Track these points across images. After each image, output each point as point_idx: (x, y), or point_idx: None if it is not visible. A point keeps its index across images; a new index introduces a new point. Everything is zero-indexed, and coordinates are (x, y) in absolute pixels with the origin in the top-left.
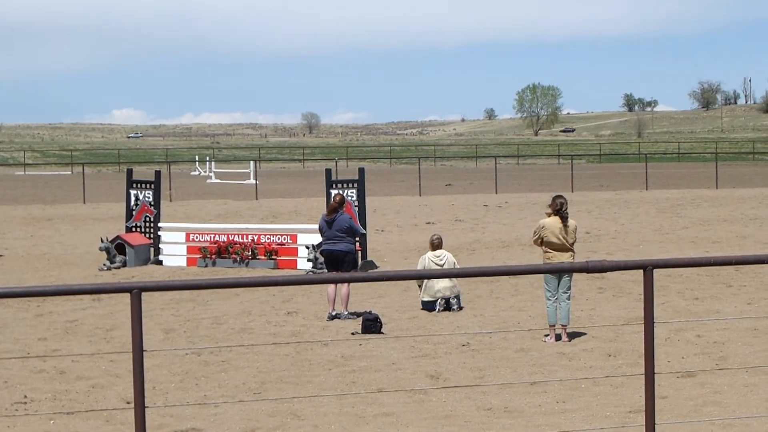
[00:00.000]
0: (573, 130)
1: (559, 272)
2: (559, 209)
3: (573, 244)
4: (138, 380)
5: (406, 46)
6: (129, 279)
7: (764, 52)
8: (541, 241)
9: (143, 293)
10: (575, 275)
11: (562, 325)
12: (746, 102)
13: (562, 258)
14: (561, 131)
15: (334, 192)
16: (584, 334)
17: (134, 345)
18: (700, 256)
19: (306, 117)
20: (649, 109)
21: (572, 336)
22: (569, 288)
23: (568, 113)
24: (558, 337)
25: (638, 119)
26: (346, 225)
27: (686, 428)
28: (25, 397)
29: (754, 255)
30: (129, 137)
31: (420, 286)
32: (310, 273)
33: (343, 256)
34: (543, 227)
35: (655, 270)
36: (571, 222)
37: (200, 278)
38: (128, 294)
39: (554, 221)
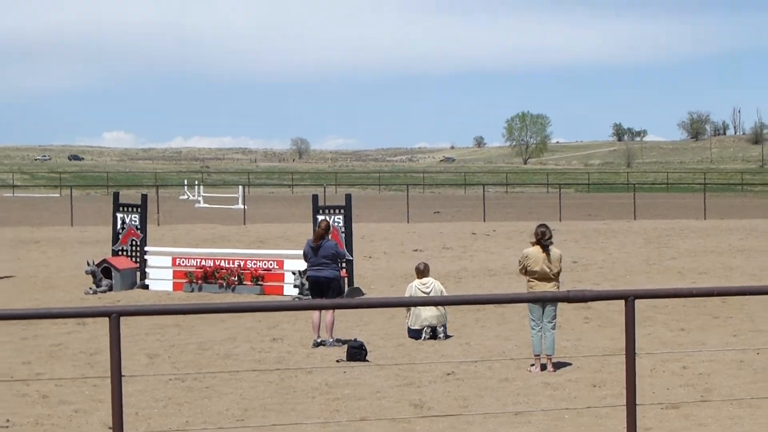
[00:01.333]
0: (453, 159)
1: (542, 301)
2: (540, 238)
3: (557, 273)
4: (117, 405)
5: (396, 73)
6: (114, 303)
7: (754, 83)
8: (525, 271)
9: (124, 318)
10: (561, 305)
11: (548, 355)
12: (735, 133)
13: (545, 287)
14: (440, 161)
15: (320, 218)
16: (569, 364)
17: (113, 369)
18: (682, 287)
19: (296, 142)
20: (638, 138)
21: (558, 366)
22: (554, 318)
23: (557, 142)
24: (543, 367)
25: (627, 149)
26: (332, 251)
27: None
28: (8, 421)
29: (736, 287)
30: (36, 159)
31: (408, 314)
32: (297, 299)
33: (328, 283)
34: (526, 257)
35: (639, 300)
36: (554, 251)
37: (179, 303)
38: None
39: (536, 250)
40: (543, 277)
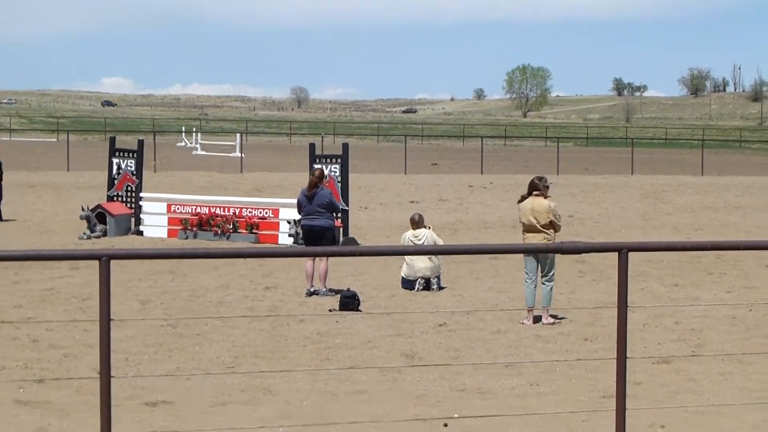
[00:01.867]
0: (415, 111)
1: (535, 252)
2: (529, 190)
3: (546, 225)
4: (104, 348)
5: (398, 23)
6: (108, 248)
7: (754, 40)
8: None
9: (118, 264)
10: (557, 259)
11: (543, 307)
12: (735, 90)
13: (535, 239)
14: (403, 112)
15: (316, 167)
16: (562, 317)
17: (101, 313)
18: (676, 241)
19: (295, 91)
20: (638, 94)
21: (553, 317)
22: (550, 270)
23: (558, 95)
24: (536, 320)
25: (627, 104)
26: (326, 200)
27: (658, 414)
28: None
29: (729, 241)
30: (2, 103)
31: (402, 264)
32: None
33: (322, 232)
34: (519, 209)
35: (634, 256)
36: (542, 202)
37: (169, 247)
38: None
39: (526, 202)
40: (531, 229)
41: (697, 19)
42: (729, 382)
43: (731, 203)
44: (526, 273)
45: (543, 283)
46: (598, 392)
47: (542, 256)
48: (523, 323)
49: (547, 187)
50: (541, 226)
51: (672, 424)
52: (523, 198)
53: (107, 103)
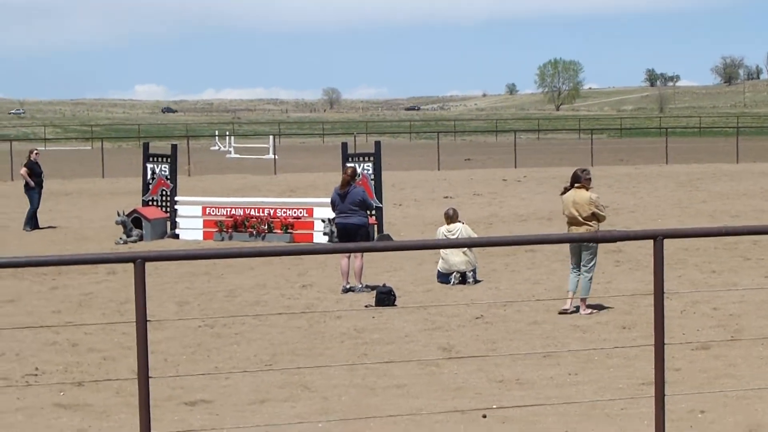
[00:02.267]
0: (418, 108)
1: (569, 242)
2: (571, 183)
3: (588, 216)
4: (142, 349)
5: (427, 21)
6: (143, 251)
7: None
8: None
9: (154, 266)
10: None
11: (581, 298)
12: None
13: (577, 231)
14: (406, 109)
15: (348, 165)
16: (600, 306)
17: (138, 314)
18: (711, 227)
19: (327, 92)
20: (671, 84)
21: (591, 308)
22: (589, 261)
23: (590, 88)
24: (576, 309)
25: (660, 94)
26: (359, 198)
27: (698, 399)
28: (36, 369)
29: (766, 225)
30: (10, 113)
31: (438, 259)
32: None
33: (356, 230)
34: (562, 201)
35: (670, 243)
36: (583, 194)
37: (203, 248)
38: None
39: (567, 195)
40: (573, 221)
41: (729, 7)
42: None
43: (767, 189)
44: (571, 264)
45: (582, 274)
46: (636, 380)
47: (582, 248)
48: (564, 309)
49: (589, 179)
50: (583, 218)
51: (712, 409)
52: (566, 190)
53: (167, 110)
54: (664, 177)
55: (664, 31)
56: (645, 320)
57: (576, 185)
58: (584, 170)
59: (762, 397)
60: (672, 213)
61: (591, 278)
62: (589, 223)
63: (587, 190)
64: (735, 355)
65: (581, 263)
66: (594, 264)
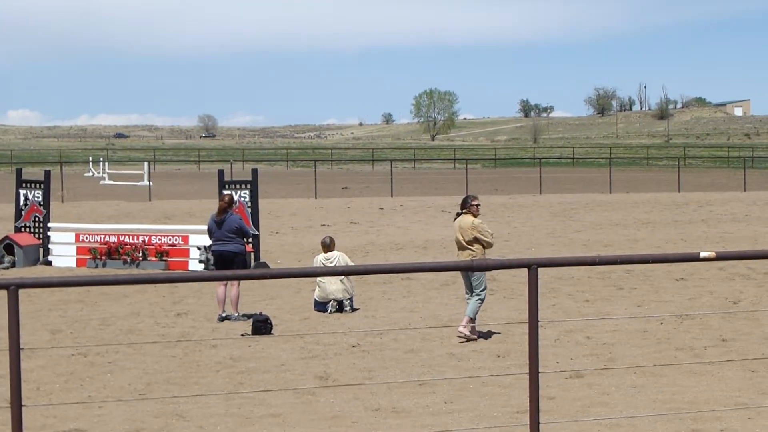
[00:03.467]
0: (126, 136)
1: (444, 270)
2: (461, 208)
3: (470, 241)
4: (15, 379)
5: (305, 49)
6: (16, 278)
7: (659, 59)
8: None
9: (27, 294)
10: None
11: (466, 315)
12: (641, 108)
13: (461, 256)
14: (114, 136)
15: (225, 193)
16: (480, 333)
17: (11, 343)
18: (585, 256)
19: (203, 119)
20: (545, 114)
21: (471, 333)
22: (477, 287)
23: (465, 118)
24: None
25: (534, 125)
26: (236, 226)
27: (572, 428)
28: None
29: (638, 255)
30: None
31: (315, 288)
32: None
33: (232, 257)
34: (454, 228)
35: (544, 272)
36: (467, 220)
37: (78, 275)
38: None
39: (457, 221)
40: (459, 246)
41: (602, 40)
42: (641, 394)
43: (640, 219)
44: (465, 289)
45: (471, 297)
46: (511, 408)
47: (468, 274)
48: (462, 335)
49: (477, 205)
50: (466, 242)
51: None
52: (457, 215)
53: (120, 135)
54: (538, 207)
55: (538, 62)
56: (519, 348)
57: (463, 211)
58: (472, 197)
59: (635, 425)
60: (546, 242)
61: (480, 300)
62: (472, 248)
63: (475, 216)
64: (608, 384)
65: (470, 289)
66: (483, 288)
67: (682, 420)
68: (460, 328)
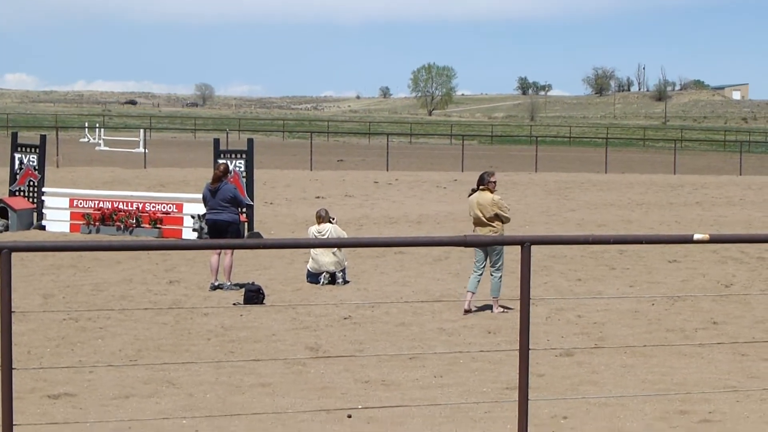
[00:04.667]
0: (135, 103)
1: (438, 245)
2: (478, 184)
3: (491, 217)
4: (6, 342)
5: (305, 20)
6: (8, 241)
7: (659, 40)
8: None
9: (20, 257)
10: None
11: (494, 297)
12: (639, 89)
13: (482, 232)
14: (123, 103)
15: (220, 161)
16: (512, 308)
17: (2, 306)
18: (579, 235)
19: (200, 88)
20: (542, 93)
21: (504, 307)
22: (496, 263)
23: (463, 94)
24: (486, 307)
25: (532, 102)
26: (230, 195)
27: (561, 405)
28: None
29: (632, 235)
30: None
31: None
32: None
33: (226, 226)
34: (468, 203)
35: (537, 250)
36: (487, 196)
37: (71, 241)
38: None
39: (473, 197)
40: (478, 222)
41: (602, 19)
42: (630, 374)
43: (634, 200)
44: (475, 263)
45: (491, 274)
46: (501, 384)
47: (489, 249)
48: (466, 309)
49: (494, 182)
50: (486, 219)
51: (574, 415)
52: (472, 192)
53: (131, 102)
54: (533, 185)
55: (538, 40)
56: (510, 325)
57: (481, 187)
58: (489, 173)
59: (624, 404)
60: (540, 220)
61: (500, 277)
62: (493, 224)
63: (491, 192)
64: (598, 363)
65: (491, 264)
66: (501, 264)
67: (670, 401)
68: (494, 311)
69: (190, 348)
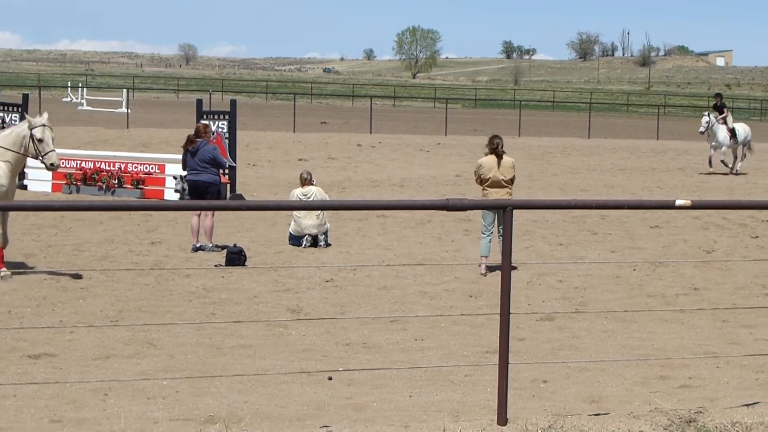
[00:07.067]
0: (331, 70)
1: (421, 209)
2: (495, 148)
3: (510, 180)
4: None
5: None
6: None
7: (643, 5)
8: (481, 180)
9: None
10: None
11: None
12: (623, 54)
13: (499, 194)
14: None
15: (201, 122)
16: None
17: None
18: (561, 199)
19: (183, 48)
20: (527, 57)
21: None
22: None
23: (447, 57)
24: (492, 269)
25: (516, 66)
26: (209, 156)
27: (541, 369)
28: None
29: (614, 200)
30: None
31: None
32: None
33: (206, 187)
34: (480, 165)
35: (519, 215)
36: (506, 159)
37: (52, 200)
38: None
39: (490, 159)
40: (496, 184)
41: None
42: (611, 339)
43: (617, 165)
44: (484, 225)
45: (500, 236)
46: (481, 347)
47: (495, 213)
48: (482, 274)
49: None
50: (506, 181)
51: (554, 379)
52: (491, 152)
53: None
54: (516, 149)
55: (523, 4)
56: (491, 289)
57: (498, 150)
58: (499, 137)
59: (604, 369)
60: (523, 184)
61: None
62: (510, 186)
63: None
64: (578, 328)
65: (501, 226)
66: None
67: (650, 366)
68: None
69: (172, 309)
